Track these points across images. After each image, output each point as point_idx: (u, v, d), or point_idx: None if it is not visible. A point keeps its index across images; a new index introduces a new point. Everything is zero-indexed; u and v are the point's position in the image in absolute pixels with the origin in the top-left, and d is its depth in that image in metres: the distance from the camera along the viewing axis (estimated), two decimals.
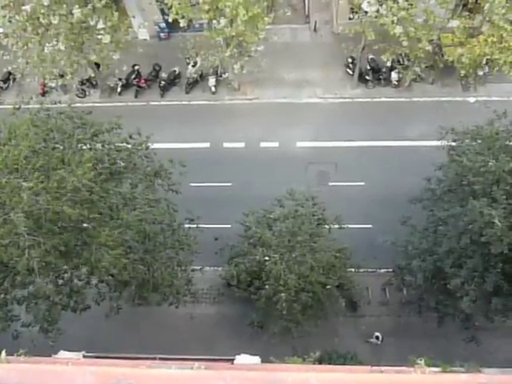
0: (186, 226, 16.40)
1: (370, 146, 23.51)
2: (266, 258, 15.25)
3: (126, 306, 16.33)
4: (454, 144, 14.82)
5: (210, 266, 19.95)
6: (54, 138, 13.40)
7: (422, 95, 24.99)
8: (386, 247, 16.56)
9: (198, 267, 17.92)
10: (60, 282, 14.47)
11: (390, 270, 18.62)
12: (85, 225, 13.33)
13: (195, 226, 16.32)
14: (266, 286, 15.29)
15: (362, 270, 18.23)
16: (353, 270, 17.43)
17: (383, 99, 25.22)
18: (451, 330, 16.96)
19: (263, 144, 23.97)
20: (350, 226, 16.74)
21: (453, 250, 14.00)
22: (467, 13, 21.35)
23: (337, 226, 16.12)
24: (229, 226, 18.68)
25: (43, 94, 24.62)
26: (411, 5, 18.92)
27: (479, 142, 13.99)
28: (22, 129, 12.80)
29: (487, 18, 19.02)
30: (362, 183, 22.46)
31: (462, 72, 21.54)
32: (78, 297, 14.54)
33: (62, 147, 13.39)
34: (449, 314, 15.77)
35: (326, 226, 16.22)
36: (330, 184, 22.58)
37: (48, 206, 11.67)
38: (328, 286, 15.64)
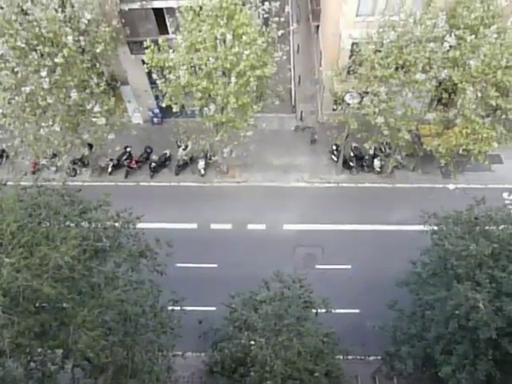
0: (170, 307, 15.94)
1: (355, 229, 23.86)
2: (252, 343, 14.69)
3: None
4: (436, 228, 15.12)
5: (192, 351, 19.12)
6: (41, 214, 13.39)
7: (404, 181, 25.92)
8: (374, 332, 16.17)
9: (180, 352, 17.14)
10: (32, 365, 13.62)
11: (380, 357, 17.99)
12: (64, 305, 12.89)
13: (179, 308, 15.87)
14: (252, 373, 14.54)
15: (350, 357, 17.61)
16: (341, 356, 16.80)
17: (367, 185, 26.05)
18: None
19: (250, 226, 24.16)
20: (338, 310, 16.46)
21: (442, 335, 13.70)
22: (442, 107, 22.90)
23: (324, 310, 15.81)
24: (214, 308, 18.18)
25: (34, 172, 25.00)
26: (390, 98, 20.29)
27: (460, 226, 14.32)
28: (8, 203, 12.81)
29: (460, 112, 20.37)
30: (349, 266, 22.47)
31: (442, 161, 22.60)
32: (50, 382, 13.61)
33: (48, 223, 13.34)
34: None
35: (313, 310, 15.88)
36: (317, 267, 22.52)
37: (28, 283, 11.35)
38: (316, 374, 14.93)
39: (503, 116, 20.08)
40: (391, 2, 20.09)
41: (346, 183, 26.14)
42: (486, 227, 13.84)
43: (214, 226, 24.17)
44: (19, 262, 11.40)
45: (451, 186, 25.51)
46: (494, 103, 19.37)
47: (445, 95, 21.56)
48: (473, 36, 18.83)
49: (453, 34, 18.60)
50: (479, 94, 19.40)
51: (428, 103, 22.01)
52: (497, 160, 25.99)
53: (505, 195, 25.02)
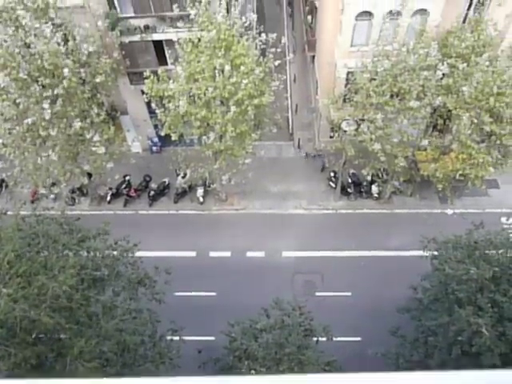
0: (169, 337, 15.70)
1: (354, 255, 23.77)
2: (253, 372, 14.41)
3: None
4: (436, 253, 15.10)
5: None
6: (40, 243, 13.36)
7: (402, 207, 25.99)
8: (376, 360, 15.90)
9: None
10: None
11: None
12: (61, 335, 12.70)
13: (178, 337, 15.63)
14: None
15: None
16: None
17: (365, 211, 26.10)
18: None
19: (249, 253, 24.05)
20: (339, 338, 16.22)
21: (445, 361, 13.49)
22: (437, 133, 23.21)
23: (325, 338, 15.57)
24: (213, 337, 17.91)
25: (33, 201, 25.03)
26: (386, 125, 20.58)
27: (460, 250, 14.31)
28: (7, 232, 12.80)
29: (456, 138, 20.65)
30: (349, 293, 22.26)
31: (439, 186, 22.75)
32: None
33: (46, 252, 13.29)
34: None
35: (314, 338, 15.65)
36: (317, 294, 22.29)
37: (25, 313, 11.22)
38: None
39: (498, 141, 20.36)
40: (384, 32, 20.62)
41: (344, 209, 26.19)
42: (486, 251, 13.84)
43: (212, 254, 24.07)
44: (17, 293, 11.31)
45: (449, 211, 25.58)
46: (488, 129, 19.68)
47: (440, 121, 21.90)
48: (465, 64, 19.29)
49: (445, 63, 19.05)
50: (474, 120, 19.72)
51: (424, 129, 22.32)
52: (494, 185, 26.17)
53: (503, 220, 25.07)
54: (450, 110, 20.37)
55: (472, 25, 20.78)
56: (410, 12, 20.18)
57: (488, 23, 20.44)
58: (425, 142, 21.25)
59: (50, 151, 20.25)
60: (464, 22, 21.52)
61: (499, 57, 19.44)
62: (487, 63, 18.77)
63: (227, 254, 24.06)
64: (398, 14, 20.06)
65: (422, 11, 20.65)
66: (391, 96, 20.18)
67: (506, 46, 20.95)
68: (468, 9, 21.71)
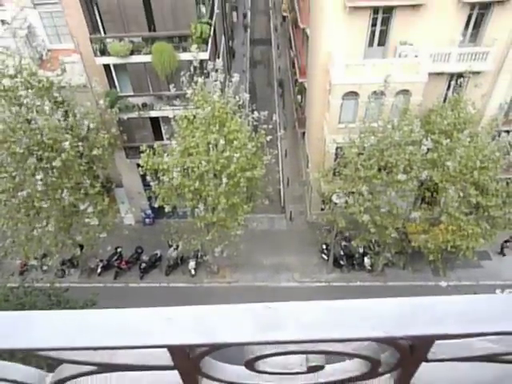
0: None
1: None
2: None
3: None
4: None
5: None
6: None
7: (395, 280, 25.80)
8: None
9: None
10: None
11: None
12: None
13: None
14: None
15: None
16: None
17: (359, 283, 25.86)
18: None
19: None
20: None
21: None
22: (426, 205, 23.72)
23: None
24: None
25: (22, 272, 24.62)
26: (375, 197, 21.08)
27: None
28: None
29: (444, 210, 21.10)
30: None
31: (430, 257, 22.81)
32: None
33: None
34: None
35: None
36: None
37: None
38: None
39: (485, 213, 20.81)
40: (370, 111, 21.81)
41: (337, 282, 25.93)
42: None
43: None
44: None
45: (443, 284, 25.37)
46: (474, 201, 20.20)
47: (427, 194, 22.47)
48: (448, 140, 20.24)
49: (429, 138, 19.98)
50: (460, 193, 20.29)
51: (412, 202, 22.82)
52: (485, 256, 26.28)
53: (498, 292, 24.85)
54: (436, 183, 21.00)
55: (452, 104, 22.09)
56: (393, 92, 21.51)
57: (467, 102, 21.75)
58: (414, 215, 21.67)
59: (44, 222, 20.31)
60: (444, 101, 22.90)
61: (479, 133, 20.46)
62: (468, 139, 19.71)
63: None
64: (382, 93, 21.35)
65: (405, 91, 22.01)
66: (379, 169, 20.88)
67: (484, 123, 22.14)
68: (447, 89, 23.22)
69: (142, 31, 21.52)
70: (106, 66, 22.72)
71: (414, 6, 20.90)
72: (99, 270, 25.75)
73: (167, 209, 21.40)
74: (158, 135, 25.05)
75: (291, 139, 35.14)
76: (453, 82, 22.86)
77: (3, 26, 22.56)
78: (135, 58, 22.00)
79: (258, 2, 55.57)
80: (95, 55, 21.71)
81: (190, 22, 21.21)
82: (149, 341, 1.02)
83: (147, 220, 28.79)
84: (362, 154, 21.01)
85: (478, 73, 22.00)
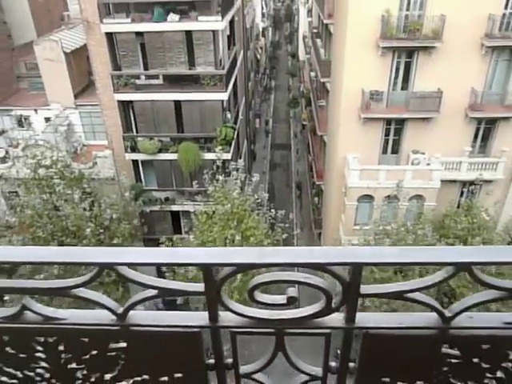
0: None
1: None
2: None
3: None
4: None
5: None
6: None
7: None
8: None
9: None
10: None
11: None
12: None
13: None
14: None
15: None
16: None
17: None
18: None
19: None
20: None
21: None
22: None
23: None
24: None
25: None
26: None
27: None
28: None
29: None
30: None
31: None
32: None
33: None
34: None
35: None
36: None
37: None
38: None
39: None
40: (384, 214, 22.33)
41: None
42: None
43: None
44: None
45: None
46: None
47: (445, 300, 21.93)
48: (462, 244, 20.31)
49: (443, 242, 20.10)
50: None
51: None
52: None
53: None
54: (453, 289, 20.64)
55: (465, 209, 22.52)
56: (407, 197, 22.16)
57: (480, 209, 22.15)
58: None
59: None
60: (458, 206, 23.38)
61: (494, 239, 20.53)
62: (481, 245, 19.78)
63: None
64: (396, 198, 22.02)
65: (418, 196, 22.68)
66: (395, 272, 20.76)
67: (499, 229, 22.28)
68: (460, 195, 23.83)
69: (171, 132, 23.34)
70: (135, 162, 24.31)
71: (424, 119, 22.40)
72: None
73: (179, 301, 21.30)
74: (176, 228, 25.77)
75: (308, 240, 35.45)
76: (465, 189, 23.54)
77: (47, 123, 24.78)
78: (162, 156, 23.57)
79: (279, 111, 59.81)
80: (125, 151, 23.40)
81: (216, 126, 23.00)
82: (192, 261, 1.50)
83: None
84: None
85: (489, 181, 22.72)
